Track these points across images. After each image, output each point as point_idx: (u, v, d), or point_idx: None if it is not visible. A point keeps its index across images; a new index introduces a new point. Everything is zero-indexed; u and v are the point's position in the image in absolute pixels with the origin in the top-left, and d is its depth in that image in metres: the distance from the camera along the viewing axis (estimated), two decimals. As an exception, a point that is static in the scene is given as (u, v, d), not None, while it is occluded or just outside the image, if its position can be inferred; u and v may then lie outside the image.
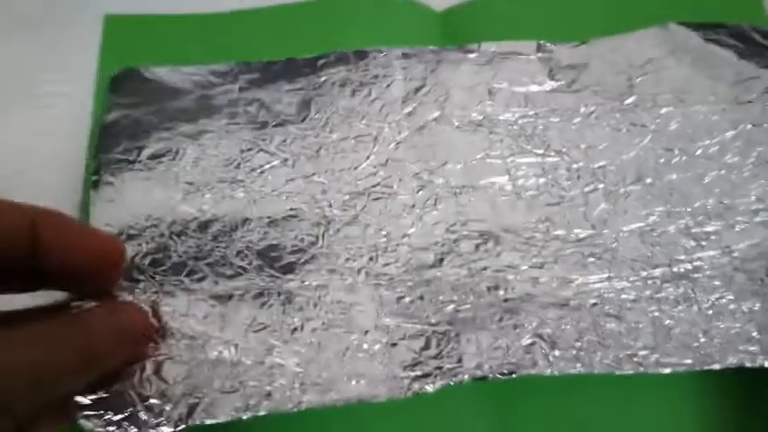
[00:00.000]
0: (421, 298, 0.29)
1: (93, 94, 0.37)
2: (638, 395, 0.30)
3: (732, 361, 0.28)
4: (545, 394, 0.30)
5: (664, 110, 0.34)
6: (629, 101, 0.34)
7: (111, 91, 0.34)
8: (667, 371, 0.28)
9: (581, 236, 0.31)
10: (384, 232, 0.31)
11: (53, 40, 0.39)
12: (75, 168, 0.35)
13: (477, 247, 0.31)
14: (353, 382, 0.27)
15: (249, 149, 0.33)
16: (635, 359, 0.28)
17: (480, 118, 0.34)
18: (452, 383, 0.27)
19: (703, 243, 0.31)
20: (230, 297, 0.29)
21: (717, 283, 0.30)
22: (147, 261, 0.30)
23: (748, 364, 0.28)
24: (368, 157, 0.33)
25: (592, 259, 0.30)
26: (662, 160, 0.33)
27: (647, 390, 0.30)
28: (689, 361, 0.28)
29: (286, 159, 0.33)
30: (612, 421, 0.30)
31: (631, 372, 0.27)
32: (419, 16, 0.39)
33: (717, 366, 0.28)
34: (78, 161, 0.35)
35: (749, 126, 0.33)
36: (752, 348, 0.28)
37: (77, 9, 0.39)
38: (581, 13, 0.39)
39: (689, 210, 0.32)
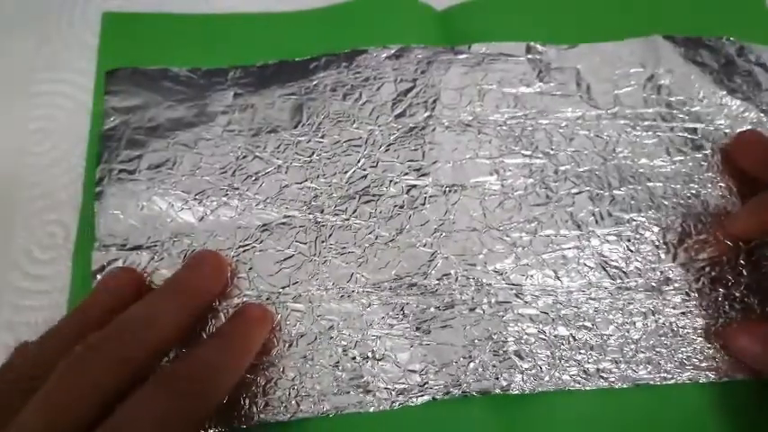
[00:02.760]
0: (407, 307, 0.31)
1: (92, 93, 0.37)
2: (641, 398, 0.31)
3: (687, 376, 0.30)
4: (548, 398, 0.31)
5: (646, 123, 0.35)
6: (614, 110, 0.35)
7: (106, 93, 0.35)
8: (627, 385, 0.30)
9: (567, 236, 0.32)
10: (374, 235, 0.32)
11: (52, 40, 0.39)
12: (74, 168, 0.35)
13: (463, 249, 0.32)
14: (344, 394, 0.29)
15: (244, 156, 0.34)
16: (602, 374, 0.30)
17: (470, 119, 0.35)
18: (437, 399, 0.29)
19: (673, 253, 0.32)
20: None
21: (682, 297, 0.31)
22: (153, 279, 0.31)
23: (702, 380, 0.30)
24: (359, 161, 0.34)
25: (575, 265, 0.32)
26: (642, 170, 0.34)
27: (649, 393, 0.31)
28: (650, 375, 0.30)
29: (280, 166, 0.33)
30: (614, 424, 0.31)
31: (594, 387, 0.30)
32: (419, 15, 0.39)
33: (672, 382, 0.30)
34: (78, 161, 0.35)
35: (717, 149, 0.35)
36: (706, 364, 0.30)
37: (75, 7, 0.39)
38: (581, 13, 0.39)
39: (666, 219, 0.33)
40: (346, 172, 0.33)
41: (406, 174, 0.33)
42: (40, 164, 0.36)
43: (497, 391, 0.29)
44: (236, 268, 0.31)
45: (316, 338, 0.30)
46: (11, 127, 0.37)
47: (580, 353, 0.30)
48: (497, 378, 0.30)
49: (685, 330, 0.31)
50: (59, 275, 0.33)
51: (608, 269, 0.32)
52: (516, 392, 0.30)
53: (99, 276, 0.31)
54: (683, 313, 0.31)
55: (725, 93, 0.36)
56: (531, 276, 0.32)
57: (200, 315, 0.29)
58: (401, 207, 0.33)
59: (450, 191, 0.33)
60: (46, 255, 0.33)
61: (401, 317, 0.31)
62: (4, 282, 0.33)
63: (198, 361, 0.26)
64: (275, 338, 0.30)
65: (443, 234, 0.32)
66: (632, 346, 0.30)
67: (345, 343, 0.30)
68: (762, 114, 0.35)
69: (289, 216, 0.32)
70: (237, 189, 0.33)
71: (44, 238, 0.34)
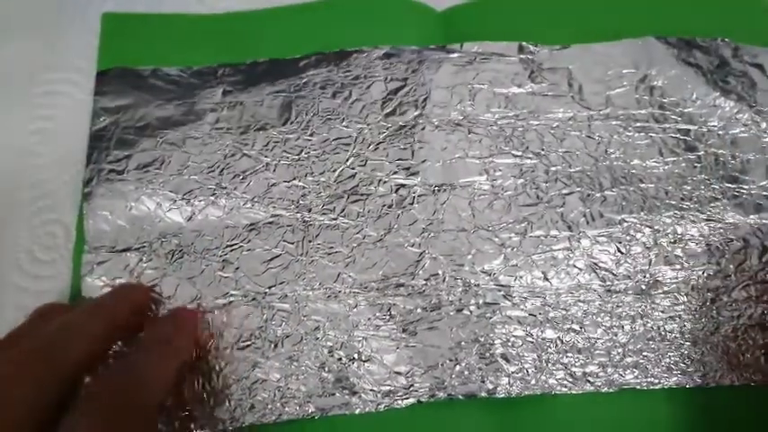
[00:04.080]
0: (394, 308, 0.31)
1: (92, 93, 0.37)
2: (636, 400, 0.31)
3: (674, 381, 0.30)
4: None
5: (638, 124, 0.34)
6: (606, 111, 0.35)
7: (95, 93, 0.35)
8: (613, 390, 0.29)
9: (557, 237, 0.32)
10: (362, 235, 0.32)
11: (52, 40, 0.39)
12: (74, 168, 0.35)
13: (452, 249, 0.32)
14: (330, 395, 0.29)
15: (232, 155, 0.34)
16: (588, 378, 0.29)
17: (460, 118, 0.34)
18: (422, 401, 0.29)
19: (664, 256, 0.32)
20: (218, 312, 0.31)
21: (671, 301, 0.31)
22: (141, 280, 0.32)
23: (690, 385, 0.30)
24: (347, 160, 0.34)
25: (564, 266, 0.32)
26: (634, 171, 0.33)
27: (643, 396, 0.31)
28: (636, 380, 0.30)
29: (268, 164, 0.33)
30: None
31: (580, 392, 0.30)
32: (419, 16, 0.38)
33: (659, 386, 0.30)
34: (78, 161, 0.35)
35: (710, 150, 0.34)
36: (693, 369, 0.30)
37: (75, 8, 0.39)
38: (582, 14, 0.38)
39: (659, 220, 0.32)
40: (335, 170, 0.33)
41: (395, 173, 0.33)
42: (41, 164, 0.36)
43: (483, 394, 0.29)
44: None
45: (301, 339, 0.30)
46: (11, 127, 0.37)
47: (567, 356, 0.30)
48: (483, 381, 0.29)
49: (673, 335, 0.30)
50: (60, 275, 0.33)
51: (598, 271, 0.32)
52: (502, 396, 0.29)
53: (88, 279, 0.31)
54: (672, 317, 0.31)
55: (718, 94, 0.35)
56: (520, 277, 0.31)
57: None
58: (389, 206, 0.33)
59: (439, 190, 0.33)
60: (47, 255, 0.34)
61: (388, 318, 0.31)
62: (5, 282, 0.33)
63: (121, 376, 0.25)
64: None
65: (432, 234, 0.32)
66: (619, 350, 0.30)
67: (331, 344, 0.30)
68: (755, 115, 0.34)
69: (276, 215, 0.32)
70: (225, 188, 0.33)
71: (45, 238, 0.34)
